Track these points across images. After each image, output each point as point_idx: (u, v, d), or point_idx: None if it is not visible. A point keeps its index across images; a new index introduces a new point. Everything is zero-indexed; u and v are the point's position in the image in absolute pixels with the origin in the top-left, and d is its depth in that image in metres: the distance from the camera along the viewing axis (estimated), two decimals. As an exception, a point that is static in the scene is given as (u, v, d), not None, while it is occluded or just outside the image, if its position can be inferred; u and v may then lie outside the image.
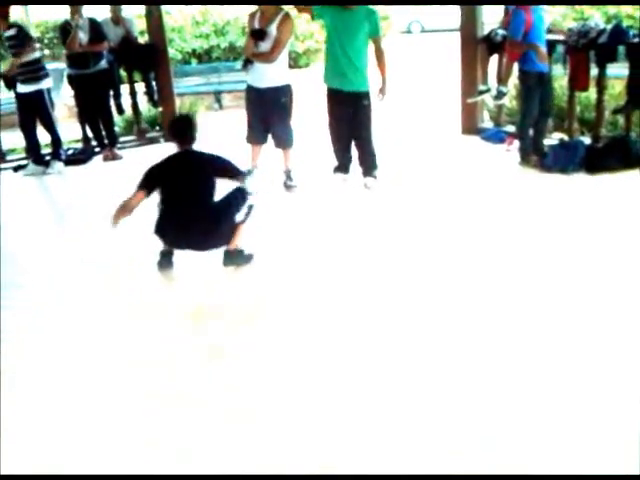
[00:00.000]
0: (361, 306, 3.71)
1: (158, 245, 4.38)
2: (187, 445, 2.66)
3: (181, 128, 4.37)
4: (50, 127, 7.33)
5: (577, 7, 10.32)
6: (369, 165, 5.76)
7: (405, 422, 2.67)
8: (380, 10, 18.73)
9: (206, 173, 4.32)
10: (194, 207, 4.21)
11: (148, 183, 4.27)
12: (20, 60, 6.92)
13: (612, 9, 10.87)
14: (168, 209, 4.27)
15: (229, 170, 4.37)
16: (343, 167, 5.89)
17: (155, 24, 8.12)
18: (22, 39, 6.94)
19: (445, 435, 2.56)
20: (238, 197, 4.35)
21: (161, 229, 4.29)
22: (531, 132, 6.04)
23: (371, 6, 5.53)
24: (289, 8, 5.85)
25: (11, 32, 6.88)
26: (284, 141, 5.98)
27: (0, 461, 2.64)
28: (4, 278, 4.41)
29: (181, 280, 4.33)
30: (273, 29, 5.58)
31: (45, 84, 7.13)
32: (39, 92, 7.09)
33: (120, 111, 8.27)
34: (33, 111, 7.19)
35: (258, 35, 5.59)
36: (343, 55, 5.42)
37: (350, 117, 5.58)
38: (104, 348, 3.55)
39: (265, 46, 5.63)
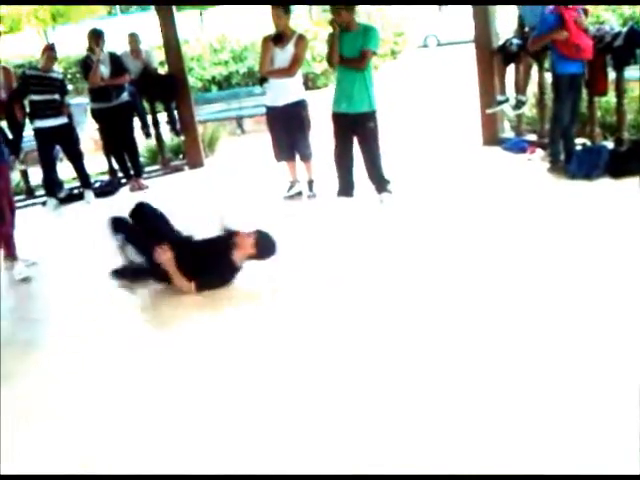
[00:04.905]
0: (379, 315, 3.70)
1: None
2: (186, 445, 2.70)
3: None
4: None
5: (592, 10, 10.29)
6: (380, 182, 5.77)
7: (405, 421, 2.68)
8: (395, 26, 18.59)
9: None
10: None
11: None
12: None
13: (628, 10, 10.82)
14: None
15: None
16: (346, 191, 5.86)
17: (174, 54, 8.28)
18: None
19: (445, 431, 2.57)
20: None
21: None
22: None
23: (373, 25, 5.66)
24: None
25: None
26: (306, 154, 6.33)
27: (0, 461, 2.69)
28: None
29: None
30: (291, 46, 5.95)
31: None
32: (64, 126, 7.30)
33: (148, 135, 8.55)
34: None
35: (278, 39, 5.92)
36: (348, 76, 5.47)
37: (358, 139, 5.63)
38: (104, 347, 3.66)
39: (282, 62, 5.97)
